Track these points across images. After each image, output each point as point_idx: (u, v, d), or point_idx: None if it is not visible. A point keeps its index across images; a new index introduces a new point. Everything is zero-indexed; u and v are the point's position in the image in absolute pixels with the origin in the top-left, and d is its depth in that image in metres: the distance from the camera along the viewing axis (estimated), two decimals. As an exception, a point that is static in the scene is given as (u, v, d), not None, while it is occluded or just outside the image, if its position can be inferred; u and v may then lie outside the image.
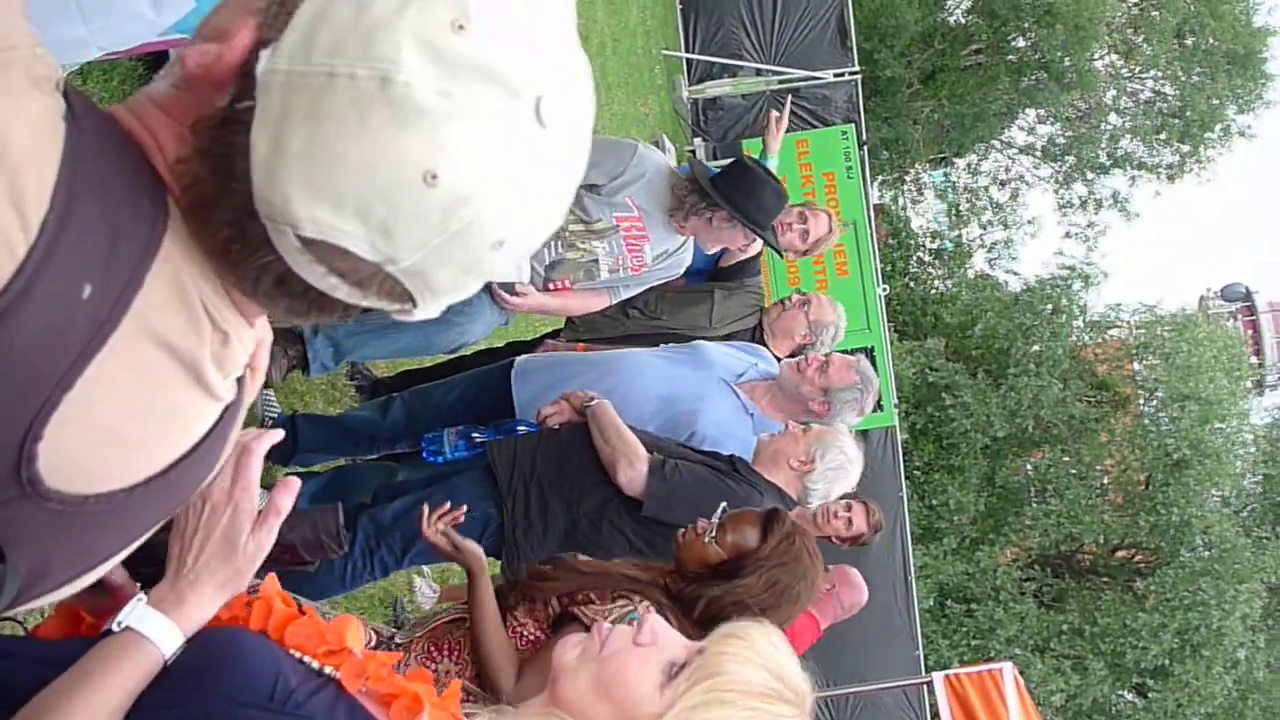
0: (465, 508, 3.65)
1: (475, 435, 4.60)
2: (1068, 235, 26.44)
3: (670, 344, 5.21)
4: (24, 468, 1.07)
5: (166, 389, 1.16)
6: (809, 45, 13.86)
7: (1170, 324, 22.42)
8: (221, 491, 1.58)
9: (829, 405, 4.86)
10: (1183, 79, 24.83)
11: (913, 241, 26.10)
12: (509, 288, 4.70)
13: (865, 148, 12.53)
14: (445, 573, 6.45)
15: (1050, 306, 22.29)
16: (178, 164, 1.12)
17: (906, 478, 13.89)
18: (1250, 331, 32.58)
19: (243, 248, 1.10)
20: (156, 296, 1.10)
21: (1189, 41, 24.75)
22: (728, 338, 5.49)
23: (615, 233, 4.79)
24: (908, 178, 27.73)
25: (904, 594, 12.30)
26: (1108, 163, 26.31)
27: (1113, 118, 26.31)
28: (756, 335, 5.67)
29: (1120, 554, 22.30)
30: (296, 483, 1.65)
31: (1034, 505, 21.06)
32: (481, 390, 4.95)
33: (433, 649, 3.30)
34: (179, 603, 1.57)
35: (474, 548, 3.44)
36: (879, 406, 11.04)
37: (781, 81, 13.65)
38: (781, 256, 5.53)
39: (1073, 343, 22.65)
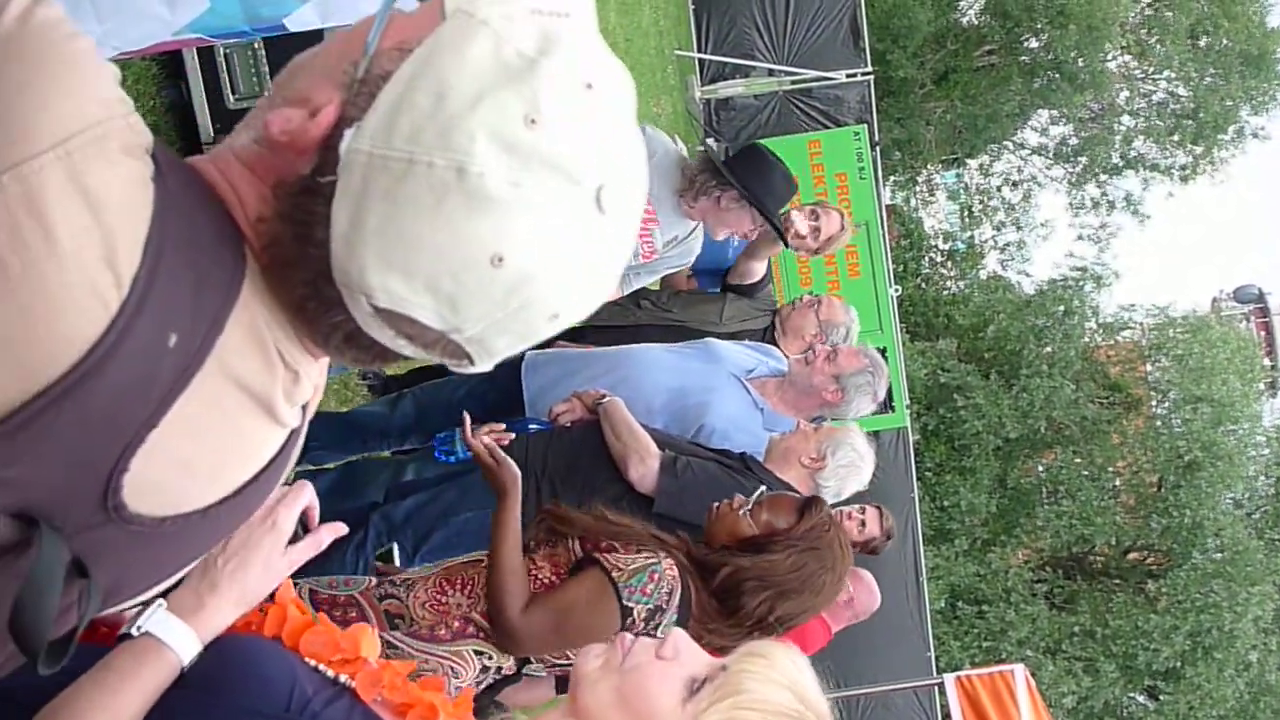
0: (507, 430, 3.68)
1: (486, 433, 4.60)
2: (1080, 237, 26.44)
3: (680, 340, 5.22)
4: (110, 497, 1.15)
5: (241, 423, 1.25)
6: (821, 46, 13.82)
7: (1183, 326, 22.39)
8: (265, 508, 1.61)
9: (842, 392, 4.85)
10: (1196, 80, 24.75)
11: (925, 242, 26.04)
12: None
13: (878, 148, 12.51)
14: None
15: (1062, 308, 22.22)
16: (259, 222, 1.20)
17: (918, 479, 13.87)
18: (1263, 333, 32.49)
19: (318, 306, 1.18)
20: (235, 341, 1.18)
21: (1202, 42, 24.68)
22: (736, 337, 5.49)
23: None
24: (920, 178, 27.72)
25: (915, 595, 12.27)
26: (1120, 164, 26.24)
27: (1125, 119, 26.24)
28: (767, 337, 5.67)
29: (1132, 556, 22.26)
30: (342, 527, 1.75)
31: (1046, 507, 21.00)
32: (491, 385, 4.95)
33: (444, 584, 3.29)
34: (199, 609, 1.60)
35: (513, 466, 3.42)
36: (891, 407, 11.06)
37: (794, 82, 13.63)
38: (786, 245, 5.51)
39: (1085, 344, 22.59)
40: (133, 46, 3.03)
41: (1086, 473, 20.97)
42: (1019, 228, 27.27)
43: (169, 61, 5.01)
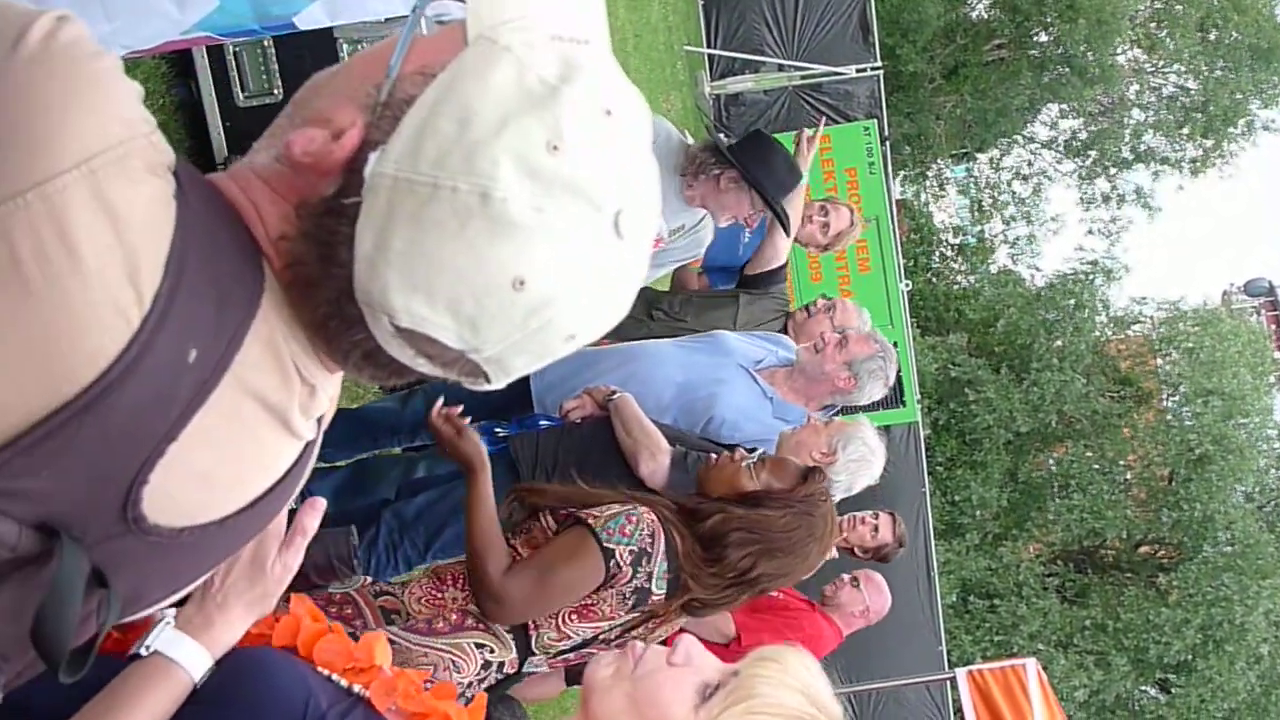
0: (463, 409, 3.63)
1: (498, 430, 4.60)
2: (1090, 231, 26.40)
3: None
4: (130, 508, 1.16)
5: (258, 436, 1.26)
6: (831, 40, 13.82)
7: (1193, 319, 22.38)
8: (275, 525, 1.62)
9: (854, 378, 4.83)
10: (1205, 73, 24.72)
11: (935, 237, 26.05)
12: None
13: (887, 143, 12.52)
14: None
15: (1073, 302, 22.22)
16: (280, 240, 1.21)
17: (929, 473, 13.87)
18: (1274, 327, 32.44)
19: (339, 324, 1.20)
20: (253, 356, 1.19)
21: (1212, 36, 24.62)
22: (749, 335, 5.49)
23: None
24: (930, 173, 27.68)
25: (927, 590, 12.29)
26: (1130, 157, 26.21)
27: (1135, 112, 26.20)
28: (780, 337, 5.66)
29: (1143, 549, 22.26)
30: (322, 503, 1.72)
31: (1057, 501, 21.01)
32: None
33: (437, 581, 3.30)
34: (207, 625, 1.61)
35: (475, 439, 3.46)
36: (902, 402, 11.06)
37: (804, 77, 13.63)
38: (788, 233, 5.49)
39: (1095, 338, 22.58)
40: (142, 45, 3.04)
41: (1097, 466, 20.98)
42: (1029, 222, 27.27)
43: (179, 59, 5.02)
